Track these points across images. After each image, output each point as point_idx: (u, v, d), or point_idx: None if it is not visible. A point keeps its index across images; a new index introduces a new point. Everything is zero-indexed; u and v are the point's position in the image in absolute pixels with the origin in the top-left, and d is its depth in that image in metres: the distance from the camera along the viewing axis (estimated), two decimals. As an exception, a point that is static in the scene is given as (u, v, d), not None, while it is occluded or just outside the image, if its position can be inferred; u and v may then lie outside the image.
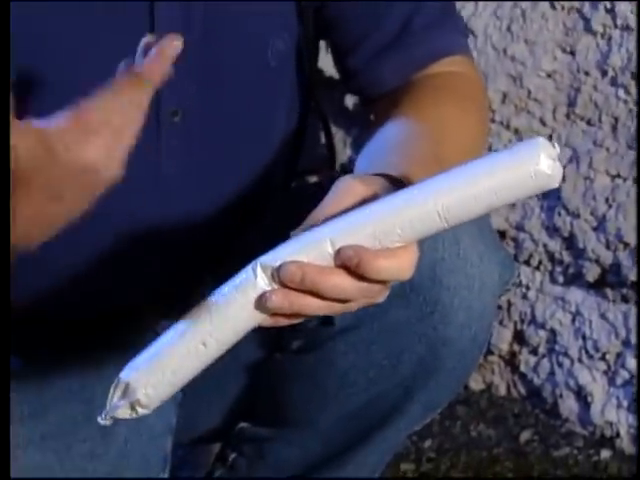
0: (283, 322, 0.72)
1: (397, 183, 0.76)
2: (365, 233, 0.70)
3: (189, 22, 0.91)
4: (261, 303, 0.70)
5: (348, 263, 0.69)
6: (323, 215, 0.72)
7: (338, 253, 0.69)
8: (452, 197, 0.69)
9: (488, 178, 0.69)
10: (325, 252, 0.70)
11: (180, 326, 0.73)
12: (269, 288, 0.70)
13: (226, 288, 0.72)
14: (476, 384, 1.60)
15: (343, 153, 1.68)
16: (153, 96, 0.90)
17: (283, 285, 0.70)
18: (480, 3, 1.53)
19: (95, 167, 0.69)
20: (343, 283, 0.70)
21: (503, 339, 1.58)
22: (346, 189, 0.73)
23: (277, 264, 0.70)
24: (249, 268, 0.71)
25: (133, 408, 0.73)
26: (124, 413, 0.73)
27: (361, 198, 0.72)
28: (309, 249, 0.70)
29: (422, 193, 0.70)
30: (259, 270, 0.71)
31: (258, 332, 1.01)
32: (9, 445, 0.77)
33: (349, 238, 0.70)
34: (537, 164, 0.67)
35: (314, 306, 0.70)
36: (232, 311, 0.71)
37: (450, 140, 0.88)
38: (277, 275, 0.70)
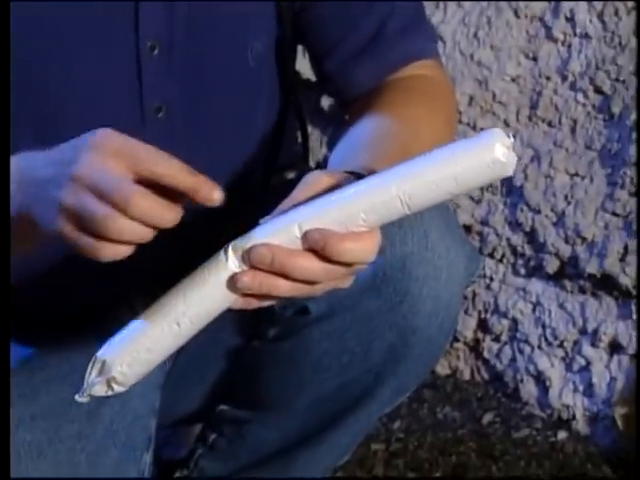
0: (254, 304, 0.72)
1: (360, 177, 0.76)
2: (331, 218, 0.70)
3: (172, 22, 0.90)
4: (232, 284, 0.70)
5: (315, 246, 0.69)
6: (291, 204, 0.72)
7: (305, 236, 0.69)
8: (413, 183, 0.69)
9: (447, 165, 0.69)
10: (293, 236, 0.70)
11: (155, 307, 0.73)
12: (239, 270, 0.70)
13: (199, 271, 0.72)
14: (442, 369, 1.61)
15: (319, 152, 1.68)
16: (137, 92, 0.90)
17: (253, 267, 0.70)
18: (449, 11, 1.53)
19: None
20: (311, 265, 0.70)
21: (468, 327, 1.59)
22: (313, 181, 0.74)
23: (247, 246, 0.70)
24: (221, 251, 0.71)
25: (109, 385, 0.72)
26: (101, 390, 0.73)
27: (327, 188, 0.72)
28: (278, 234, 0.70)
29: (385, 180, 0.70)
30: (230, 252, 0.71)
31: (237, 321, 1.02)
32: (9, 445, 0.76)
33: (316, 222, 0.70)
34: (492, 152, 0.68)
35: (282, 287, 0.70)
36: (205, 292, 0.71)
37: (419, 140, 0.88)
38: (247, 257, 0.70)
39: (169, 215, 0.70)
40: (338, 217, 0.70)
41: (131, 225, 0.70)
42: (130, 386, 0.73)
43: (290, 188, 1.07)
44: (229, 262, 0.71)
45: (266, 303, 0.72)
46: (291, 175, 1.17)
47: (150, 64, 0.90)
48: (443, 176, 0.69)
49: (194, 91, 0.94)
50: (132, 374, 0.73)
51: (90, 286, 0.97)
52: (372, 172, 0.76)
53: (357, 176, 0.75)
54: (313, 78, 1.39)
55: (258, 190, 1.05)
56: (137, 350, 0.72)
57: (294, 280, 0.70)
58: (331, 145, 1.69)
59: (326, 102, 1.65)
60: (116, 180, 0.70)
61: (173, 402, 1.05)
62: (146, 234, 0.71)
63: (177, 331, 0.72)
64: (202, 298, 0.72)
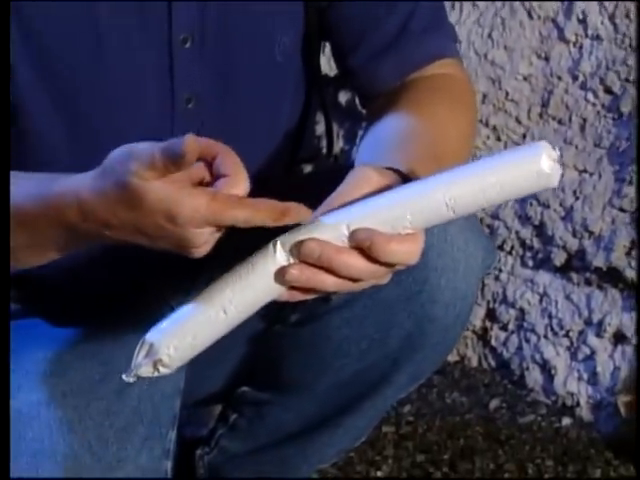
0: (298, 297, 0.72)
1: (403, 176, 0.76)
2: (378, 218, 0.70)
3: (204, 17, 0.90)
4: (279, 276, 0.70)
5: (362, 245, 0.69)
6: (341, 199, 0.72)
7: (353, 235, 0.69)
8: (460, 189, 0.69)
9: (494, 173, 0.69)
10: (341, 234, 0.70)
11: (204, 294, 0.73)
12: (286, 263, 0.70)
13: (247, 262, 0.72)
14: (451, 356, 1.61)
15: (336, 145, 1.67)
16: (168, 83, 0.90)
17: (301, 261, 0.70)
18: (464, 11, 1.52)
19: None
20: (356, 263, 0.70)
21: (476, 316, 1.58)
22: (363, 177, 0.73)
23: (296, 240, 0.70)
24: (270, 244, 0.71)
25: (155, 367, 0.73)
26: (147, 371, 0.73)
27: (377, 187, 0.72)
28: (326, 231, 0.70)
29: (432, 184, 0.70)
30: (278, 246, 0.71)
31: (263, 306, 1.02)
32: (9, 444, 0.76)
33: (364, 222, 0.70)
34: (539, 164, 0.68)
35: (327, 282, 0.70)
36: (252, 282, 0.71)
37: (445, 139, 0.88)
38: (297, 251, 0.70)
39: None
40: (385, 218, 0.70)
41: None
42: (175, 368, 0.73)
43: (312, 181, 1.07)
44: (277, 255, 0.71)
45: (310, 296, 0.72)
46: (310, 168, 1.16)
47: (182, 56, 0.90)
48: (489, 184, 0.69)
49: (223, 84, 0.93)
50: (178, 357, 0.73)
51: (119, 270, 0.97)
52: (406, 169, 0.76)
53: (400, 175, 0.75)
54: (330, 73, 1.39)
55: (281, 181, 1.05)
56: (184, 335, 0.72)
57: (339, 276, 0.70)
58: (348, 139, 1.69)
59: (343, 97, 1.65)
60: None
61: (197, 383, 1.04)
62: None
63: (223, 319, 0.72)
64: (249, 288, 0.72)
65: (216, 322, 0.72)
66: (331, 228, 0.70)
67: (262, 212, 0.69)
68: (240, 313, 0.73)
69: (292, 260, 0.70)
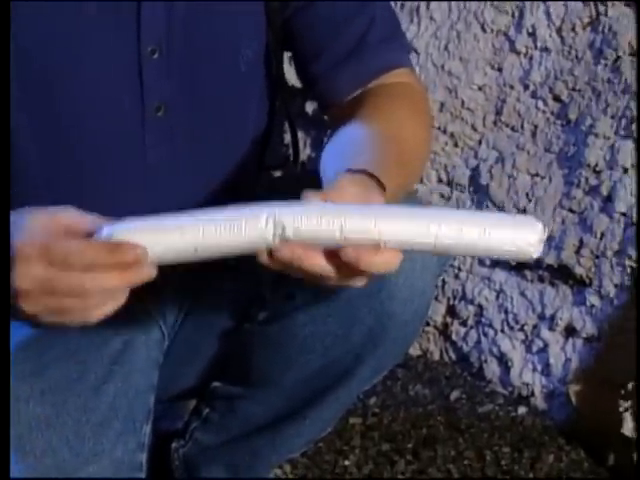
0: (276, 268, 0.71)
1: (372, 177, 0.76)
2: (369, 233, 0.70)
3: (171, 29, 0.89)
4: (260, 253, 0.70)
5: (349, 262, 0.70)
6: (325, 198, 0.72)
7: (340, 251, 0.69)
8: (449, 235, 0.69)
9: (484, 232, 0.69)
10: (334, 236, 0.70)
11: (184, 220, 0.70)
12: (270, 238, 0.69)
13: (240, 216, 0.70)
14: (414, 350, 1.61)
15: (303, 153, 1.67)
16: (138, 92, 0.89)
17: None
18: (422, 25, 1.53)
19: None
20: (325, 268, 0.71)
21: (437, 312, 1.59)
22: (341, 187, 0.74)
23: (286, 232, 0.69)
24: (262, 217, 0.69)
25: None
26: None
27: (355, 197, 0.73)
28: (320, 224, 0.69)
29: (425, 219, 0.70)
30: (271, 222, 0.69)
31: (229, 305, 1.02)
32: (9, 445, 0.75)
33: (354, 229, 0.70)
34: (527, 243, 0.69)
35: (294, 274, 0.71)
36: (231, 236, 0.69)
37: (405, 141, 0.88)
38: (278, 243, 0.69)
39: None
40: (375, 235, 0.70)
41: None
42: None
43: (278, 186, 1.07)
44: (266, 230, 0.69)
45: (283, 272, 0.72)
46: (277, 175, 1.16)
47: (150, 67, 0.90)
48: (476, 240, 0.69)
49: (190, 93, 0.93)
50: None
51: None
52: (372, 172, 0.77)
53: (369, 176, 0.76)
54: (297, 85, 1.39)
55: (248, 188, 1.05)
56: (149, 246, 0.69)
57: (310, 276, 0.71)
58: (314, 146, 1.69)
59: (310, 107, 1.65)
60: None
61: (170, 379, 1.04)
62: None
63: (191, 254, 0.70)
64: (227, 242, 0.69)
65: (182, 254, 0.70)
66: (324, 224, 0.69)
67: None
68: (207, 257, 0.70)
69: (276, 242, 0.69)
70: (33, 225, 0.70)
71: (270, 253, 0.70)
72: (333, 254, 0.70)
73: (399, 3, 1.54)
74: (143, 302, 1.02)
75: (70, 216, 0.71)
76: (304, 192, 0.72)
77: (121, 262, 0.68)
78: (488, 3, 1.46)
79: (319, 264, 0.70)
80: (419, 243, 0.70)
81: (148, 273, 0.70)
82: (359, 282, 0.74)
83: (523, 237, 0.69)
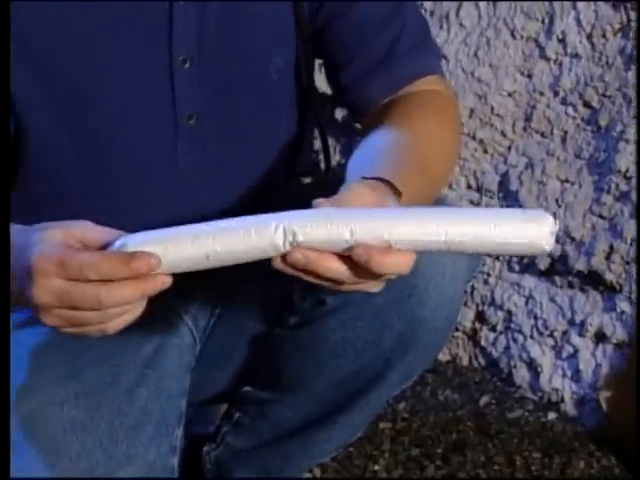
0: (289, 272, 0.71)
1: (391, 186, 0.75)
2: (379, 234, 0.69)
3: (202, 39, 0.90)
4: (275, 258, 0.69)
5: (360, 260, 0.69)
6: (337, 204, 0.71)
7: (351, 249, 0.69)
8: (460, 232, 0.68)
9: (495, 229, 0.68)
10: (344, 239, 0.69)
11: (197, 230, 0.70)
12: (280, 245, 0.69)
13: (250, 225, 0.69)
14: (443, 356, 1.60)
15: (333, 159, 1.66)
16: (170, 101, 0.90)
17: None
18: (452, 31, 1.52)
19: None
20: (340, 270, 0.70)
21: (467, 318, 1.58)
22: (355, 192, 0.73)
23: (297, 238, 0.69)
24: (272, 225, 0.69)
25: None
26: None
27: (368, 200, 0.72)
28: (331, 228, 0.69)
29: (436, 218, 0.69)
30: (281, 229, 0.69)
31: (261, 310, 1.01)
32: (9, 445, 0.76)
33: (365, 231, 0.69)
34: (539, 236, 0.68)
35: (310, 279, 0.70)
36: (241, 244, 0.69)
37: (431, 150, 0.87)
38: (290, 249, 0.69)
39: None
40: (386, 237, 0.69)
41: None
42: None
43: (307, 193, 1.07)
44: (275, 237, 0.69)
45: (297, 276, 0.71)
46: (307, 181, 1.16)
47: (182, 76, 0.90)
48: (490, 238, 0.68)
49: (222, 101, 0.93)
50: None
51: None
52: (394, 181, 0.76)
53: (388, 185, 0.75)
54: (327, 92, 1.38)
55: (278, 194, 1.04)
56: (162, 256, 0.69)
57: (324, 279, 0.70)
58: (343, 153, 1.69)
59: (339, 114, 1.64)
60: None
61: (202, 383, 1.04)
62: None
63: (204, 262, 0.70)
64: (238, 249, 0.69)
65: (196, 262, 0.70)
66: (334, 227, 0.69)
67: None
68: (220, 264, 0.70)
69: (287, 246, 0.69)
70: (49, 239, 0.70)
71: (283, 258, 0.69)
72: (346, 258, 0.69)
73: (429, 10, 1.53)
74: (175, 307, 1.02)
75: (85, 229, 0.72)
76: (314, 200, 0.71)
77: (135, 272, 0.68)
78: (518, 9, 1.45)
79: (333, 266, 0.69)
80: (430, 242, 0.69)
81: (163, 282, 0.69)
82: (374, 287, 0.72)
83: (534, 230, 0.67)
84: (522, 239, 0.68)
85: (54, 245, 0.69)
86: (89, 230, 0.71)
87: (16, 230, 0.75)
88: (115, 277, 0.68)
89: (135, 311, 0.71)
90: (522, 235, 0.68)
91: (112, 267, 0.67)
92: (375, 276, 0.70)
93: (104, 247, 0.70)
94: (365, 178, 0.76)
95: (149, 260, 0.68)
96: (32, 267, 0.69)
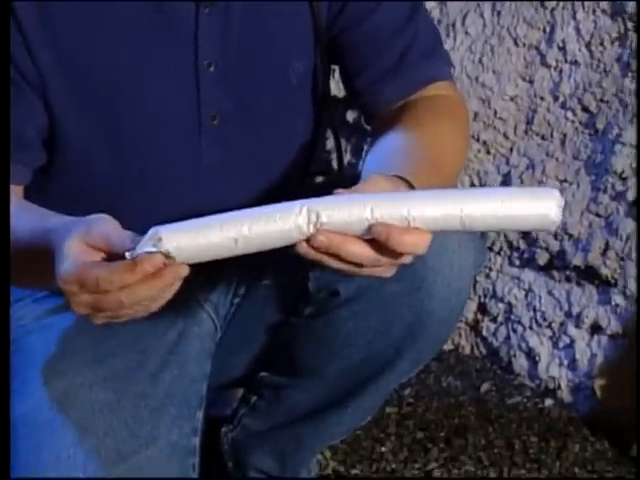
0: (312, 256, 0.70)
1: (407, 182, 0.75)
2: (399, 213, 0.68)
3: (226, 45, 0.90)
4: (293, 234, 0.69)
5: (379, 237, 0.68)
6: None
7: (371, 228, 0.68)
8: (475, 209, 0.68)
9: (507, 205, 0.69)
10: (365, 218, 0.69)
11: (224, 217, 0.70)
12: (305, 227, 0.69)
13: (272, 213, 0.69)
14: (446, 345, 1.59)
15: (344, 159, 1.66)
16: (195, 102, 0.90)
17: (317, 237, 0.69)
18: (458, 39, 1.52)
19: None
20: (362, 252, 0.69)
21: (469, 309, 1.57)
22: (374, 183, 0.73)
23: (320, 219, 0.68)
24: (296, 207, 0.69)
25: (160, 254, 0.69)
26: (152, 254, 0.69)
27: (384, 189, 0.72)
28: (352, 209, 0.69)
29: (452, 198, 0.69)
30: (305, 211, 0.69)
31: (277, 299, 1.02)
32: (9, 445, 0.76)
33: (385, 209, 0.68)
34: (548, 210, 0.68)
35: (332, 264, 0.70)
36: (269, 230, 0.69)
37: (443, 151, 0.87)
38: (313, 231, 0.68)
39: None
40: (405, 215, 0.68)
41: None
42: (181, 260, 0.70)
43: (321, 190, 1.07)
44: (301, 217, 0.69)
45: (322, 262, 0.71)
46: (320, 179, 1.16)
47: (207, 79, 0.90)
48: (500, 213, 0.68)
49: (244, 103, 0.93)
50: (180, 256, 0.69)
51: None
52: (410, 178, 0.76)
53: (404, 181, 0.75)
54: (339, 95, 1.38)
55: (294, 192, 1.04)
56: (192, 242, 0.69)
57: (346, 262, 0.70)
58: (355, 153, 1.68)
59: (351, 116, 1.64)
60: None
61: (221, 368, 1.04)
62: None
63: (232, 246, 0.69)
64: (264, 235, 0.69)
65: (224, 246, 0.69)
66: (355, 208, 0.68)
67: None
68: (247, 247, 0.70)
69: (311, 227, 0.68)
70: (67, 253, 0.71)
71: (307, 242, 0.69)
72: (367, 241, 0.69)
73: (436, 19, 1.53)
74: (198, 297, 1.02)
75: (103, 230, 0.72)
76: (335, 190, 0.71)
77: (144, 274, 0.69)
78: (521, 19, 1.45)
79: (356, 249, 0.69)
80: (446, 219, 0.69)
81: (177, 273, 0.69)
82: (387, 271, 0.72)
83: (542, 204, 0.68)
84: (531, 213, 0.68)
85: (72, 263, 0.71)
86: (108, 229, 0.72)
87: (49, 231, 0.76)
88: (129, 283, 0.69)
89: (159, 301, 0.72)
90: (531, 210, 0.68)
91: (122, 276, 0.69)
92: (395, 255, 0.70)
93: (124, 246, 0.71)
94: (381, 174, 0.76)
95: (152, 260, 0.69)
96: (62, 287, 0.72)
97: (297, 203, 0.70)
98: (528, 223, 0.69)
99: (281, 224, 0.69)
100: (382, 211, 0.69)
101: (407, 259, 0.71)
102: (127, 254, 0.70)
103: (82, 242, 0.72)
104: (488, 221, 0.69)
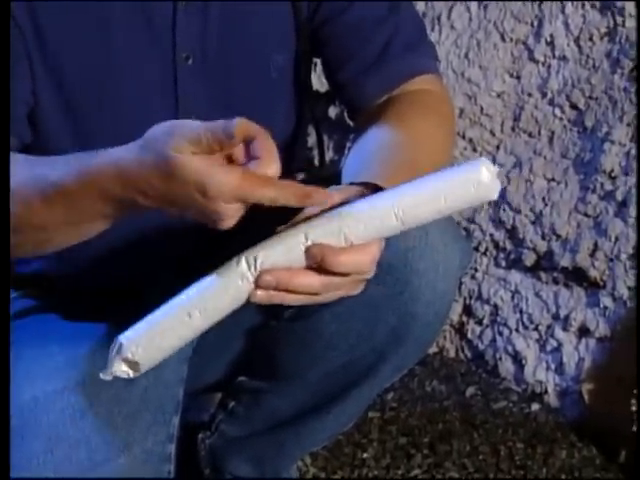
0: (265, 302, 0.71)
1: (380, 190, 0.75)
2: (332, 231, 0.69)
3: (204, 37, 0.90)
4: (243, 289, 0.70)
5: (314, 260, 0.68)
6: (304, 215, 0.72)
7: (307, 251, 0.69)
8: (408, 201, 0.68)
9: (438, 186, 0.69)
10: (299, 245, 0.69)
11: (174, 300, 0.71)
12: (247, 273, 0.69)
13: (214, 274, 0.71)
14: (431, 348, 1.60)
15: (326, 155, 1.66)
16: (173, 95, 0.90)
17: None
18: (443, 33, 1.52)
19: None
20: (311, 281, 0.70)
21: (454, 311, 1.58)
22: (346, 192, 0.73)
23: (258, 260, 0.69)
24: (234, 260, 0.70)
25: (127, 366, 0.71)
26: (120, 370, 0.71)
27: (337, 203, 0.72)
28: (285, 242, 0.69)
29: (384, 197, 0.69)
30: (242, 260, 0.70)
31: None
32: (9, 446, 0.75)
33: (319, 234, 0.69)
34: (479, 176, 0.68)
35: (290, 300, 0.71)
36: (216, 292, 0.70)
37: (424, 150, 0.87)
38: (256, 273, 0.69)
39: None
40: (340, 229, 0.69)
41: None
42: (147, 369, 0.71)
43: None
44: (240, 269, 0.70)
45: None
46: (301, 176, 1.16)
47: (184, 72, 0.90)
48: (434, 196, 0.68)
49: (222, 97, 0.93)
50: (147, 358, 0.71)
51: (132, 265, 0.96)
52: (385, 183, 0.76)
53: (371, 187, 0.75)
54: (321, 90, 1.38)
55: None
56: (152, 336, 0.71)
57: (300, 294, 0.70)
58: (337, 150, 1.68)
59: (333, 112, 1.64)
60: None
61: (198, 373, 1.04)
62: None
63: (188, 323, 0.71)
64: (213, 298, 0.71)
65: (181, 326, 0.71)
66: (290, 238, 0.69)
67: (288, 193, 0.68)
68: (205, 318, 0.71)
69: (254, 273, 0.69)
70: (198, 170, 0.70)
71: (256, 287, 0.69)
72: (315, 269, 0.69)
73: (421, 11, 1.53)
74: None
75: (193, 126, 0.71)
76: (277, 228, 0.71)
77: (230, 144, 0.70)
78: (508, 13, 1.45)
79: (305, 279, 0.69)
80: (384, 228, 0.69)
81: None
82: (352, 290, 0.72)
83: (472, 174, 0.68)
84: (465, 185, 0.68)
85: (227, 172, 0.69)
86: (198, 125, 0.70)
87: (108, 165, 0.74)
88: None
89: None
90: (464, 181, 0.68)
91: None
92: (341, 276, 0.69)
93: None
94: (353, 183, 0.76)
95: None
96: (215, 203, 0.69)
97: (234, 258, 0.70)
98: (464, 199, 0.68)
99: (226, 279, 0.70)
100: (316, 233, 0.69)
101: (366, 275, 0.70)
102: (101, 374, 0.72)
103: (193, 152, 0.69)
104: (424, 210, 0.68)
